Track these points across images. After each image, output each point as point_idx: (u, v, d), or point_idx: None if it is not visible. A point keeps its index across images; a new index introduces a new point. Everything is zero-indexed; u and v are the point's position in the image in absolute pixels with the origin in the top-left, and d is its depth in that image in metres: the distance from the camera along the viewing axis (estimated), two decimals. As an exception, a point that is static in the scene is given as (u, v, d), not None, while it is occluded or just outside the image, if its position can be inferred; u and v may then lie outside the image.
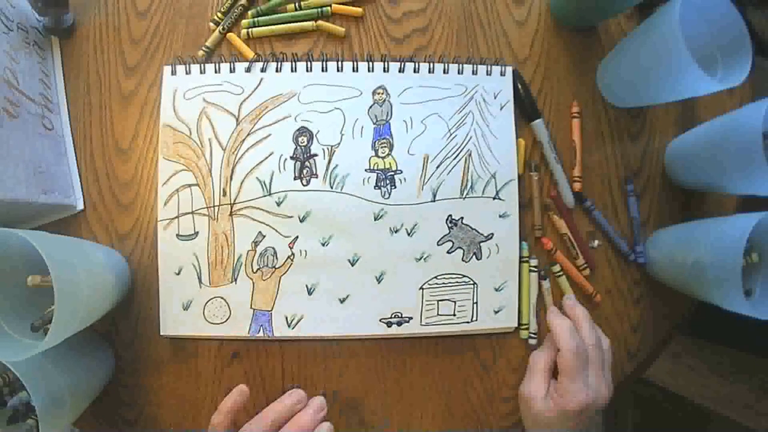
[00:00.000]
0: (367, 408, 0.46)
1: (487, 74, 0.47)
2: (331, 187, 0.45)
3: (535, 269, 0.46)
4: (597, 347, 0.41)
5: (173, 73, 0.46)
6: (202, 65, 0.46)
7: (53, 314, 0.31)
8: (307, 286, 0.45)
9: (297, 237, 0.45)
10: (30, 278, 0.35)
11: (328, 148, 0.45)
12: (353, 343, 0.46)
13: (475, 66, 0.47)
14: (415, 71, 0.47)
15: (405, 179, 0.45)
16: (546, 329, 0.47)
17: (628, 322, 0.48)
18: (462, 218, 0.46)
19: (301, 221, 0.45)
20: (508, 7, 0.49)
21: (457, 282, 0.46)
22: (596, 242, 0.48)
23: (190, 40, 0.47)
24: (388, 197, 0.45)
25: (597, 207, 0.48)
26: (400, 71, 0.47)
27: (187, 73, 0.46)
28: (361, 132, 0.46)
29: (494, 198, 0.46)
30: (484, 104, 0.47)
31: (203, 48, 0.46)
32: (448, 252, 0.46)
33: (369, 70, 0.46)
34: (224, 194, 0.45)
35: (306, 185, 0.45)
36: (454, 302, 0.45)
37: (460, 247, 0.46)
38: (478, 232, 0.46)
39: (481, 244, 0.46)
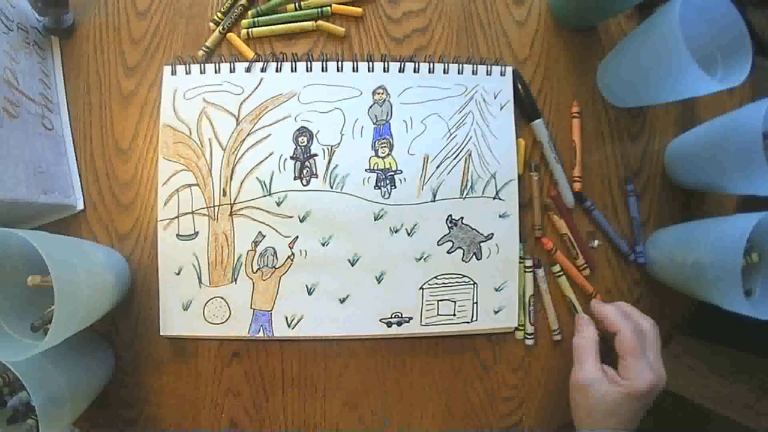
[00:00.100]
0: (367, 408, 0.46)
1: (487, 74, 0.47)
2: (331, 187, 0.45)
3: (530, 269, 0.46)
4: (653, 327, 0.41)
5: (173, 73, 0.46)
6: (202, 65, 0.46)
7: (53, 314, 0.31)
8: (307, 286, 0.45)
9: (297, 237, 0.45)
10: (30, 278, 0.35)
11: (328, 148, 0.45)
12: (353, 343, 0.46)
13: (475, 66, 0.47)
14: (415, 71, 0.47)
15: (405, 179, 0.45)
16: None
17: (628, 322, 0.48)
18: (462, 218, 0.46)
19: (301, 221, 0.45)
20: (508, 7, 0.49)
21: (457, 282, 0.46)
22: (596, 242, 0.48)
23: (190, 40, 0.47)
24: (388, 197, 0.45)
25: (597, 207, 0.48)
26: (400, 71, 0.47)
27: (187, 73, 0.46)
28: (361, 132, 0.46)
29: (494, 198, 0.46)
30: (484, 104, 0.47)
31: (203, 48, 0.46)
32: (448, 252, 0.46)
33: (369, 70, 0.46)
34: (224, 194, 0.45)
35: (306, 185, 0.45)
36: (454, 302, 0.45)
37: (460, 247, 0.46)
38: (478, 232, 0.46)
39: (481, 244, 0.46)
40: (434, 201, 0.46)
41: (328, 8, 0.47)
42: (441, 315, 0.45)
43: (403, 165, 0.46)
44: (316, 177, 0.45)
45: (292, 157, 0.45)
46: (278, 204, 0.45)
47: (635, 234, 0.48)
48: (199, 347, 0.45)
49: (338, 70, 0.46)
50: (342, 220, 0.45)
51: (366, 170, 0.45)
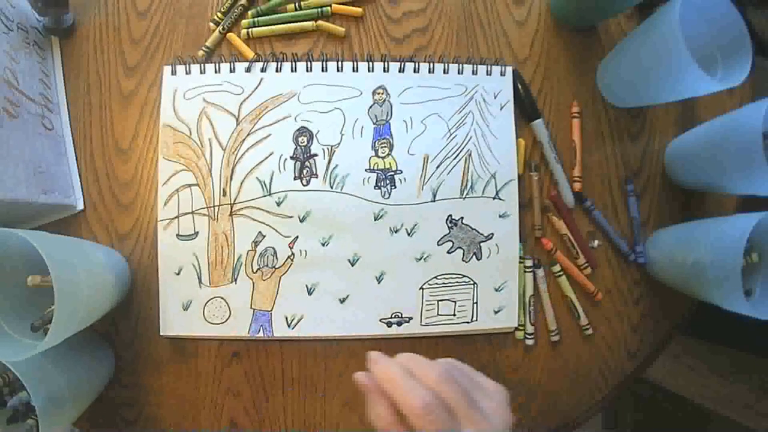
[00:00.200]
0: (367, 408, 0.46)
1: (487, 74, 0.47)
2: (331, 187, 0.45)
3: (530, 269, 0.46)
4: (447, 382, 0.28)
5: (173, 73, 0.46)
6: (202, 65, 0.46)
7: (53, 314, 0.31)
8: (307, 286, 0.45)
9: (297, 237, 0.45)
10: (30, 278, 0.35)
11: (328, 148, 0.45)
12: (353, 343, 0.46)
13: (475, 66, 0.47)
14: (415, 71, 0.47)
15: (405, 179, 0.45)
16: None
17: (628, 322, 0.48)
18: (462, 218, 0.46)
19: (301, 221, 0.45)
20: (508, 7, 0.49)
21: (457, 282, 0.46)
22: (596, 242, 0.48)
23: (190, 40, 0.47)
24: (388, 197, 0.45)
25: (597, 207, 0.48)
26: (400, 71, 0.47)
27: (187, 73, 0.46)
28: (361, 132, 0.46)
29: (494, 198, 0.46)
30: (484, 104, 0.47)
31: (203, 48, 0.46)
32: (448, 252, 0.46)
33: (369, 70, 0.46)
34: (224, 194, 0.45)
35: (306, 185, 0.45)
36: (454, 302, 0.45)
37: (460, 247, 0.46)
38: (478, 232, 0.46)
39: (481, 244, 0.46)
40: (434, 201, 0.46)
41: (328, 8, 0.47)
42: (441, 315, 0.45)
43: (403, 165, 0.46)
44: (316, 177, 0.45)
45: (292, 157, 0.45)
46: (278, 204, 0.45)
47: (635, 234, 0.48)
48: (199, 347, 0.45)
49: (338, 70, 0.46)
50: (342, 220, 0.45)
51: (366, 170, 0.45)
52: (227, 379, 0.45)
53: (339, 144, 0.46)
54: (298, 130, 0.45)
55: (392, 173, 0.46)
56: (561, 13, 0.49)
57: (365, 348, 0.46)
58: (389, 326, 0.45)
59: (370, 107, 0.46)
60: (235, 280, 0.44)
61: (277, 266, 0.44)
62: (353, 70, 0.46)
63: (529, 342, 0.46)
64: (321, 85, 0.46)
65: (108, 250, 0.43)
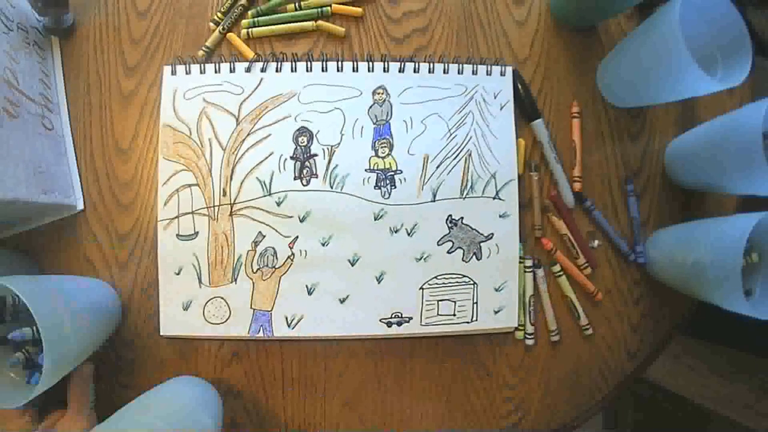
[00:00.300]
0: (367, 408, 0.46)
1: (487, 74, 0.47)
2: (331, 187, 0.45)
3: (530, 269, 0.46)
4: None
5: (173, 73, 0.46)
6: (202, 65, 0.46)
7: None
8: (307, 286, 0.45)
9: (297, 237, 0.45)
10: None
11: (328, 148, 0.45)
12: (353, 343, 0.46)
13: (475, 66, 0.47)
14: (415, 71, 0.47)
15: (405, 179, 0.45)
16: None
17: (628, 322, 0.48)
18: (462, 218, 0.46)
19: (301, 221, 0.45)
20: (508, 7, 0.49)
21: (457, 282, 0.46)
22: (596, 242, 0.48)
23: (190, 40, 0.47)
24: (388, 197, 0.45)
25: (597, 207, 0.48)
26: (400, 71, 0.47)
27: (187, 73, 0.46)
28: (361, 132, 0.46)
29: (494, 198, 0.46)
30: (484, 104, 0.47)
31: (203, 48, 0.46)
32: (448, 252, 0.46)
33: (369, 70, 0.46)
34: (224, 194, 0.45)
35: (306, 185, 0.45)
36: (454, 302, 0.45)
37: (460, 247, 0.46)
38: (478, 232, 0.46)
39: (481, 244, 0.46)
40: (434, 201, 0.46)
41: (328, 8, 0.47)
42: (441, 315, 0.45)
43: (403, 165, 0.46)
44: (316, 177, 0.45)
45: (292, 157, 0.45)
46: (278, 204, 0.45)
47: (635, 234, 0.48)
48: (199, 347, 0.45)
49: (338, 70, 0.46)
50: (342, 220, 0.45)
51: (366, 170, 0.45)
52: (227, 379, 0.45)
53: (339, 144, 0.46)
54: (298, 130, 0.45)
55: (392, 173, 0.46)
56: (561, 13, 0.49)
57: (365, 348, 0.46)
58: (389, 326, 0.45)
59: (370, 107, 0.46)
60: (235, 280, 0.44)
61: (277, 266, 0.44)
62: (353, 70, 0.46)
63: (529, 342, 0.46)
64: (321, 85, 0.46)
65: (95, 284, 0.43)
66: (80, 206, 0.45)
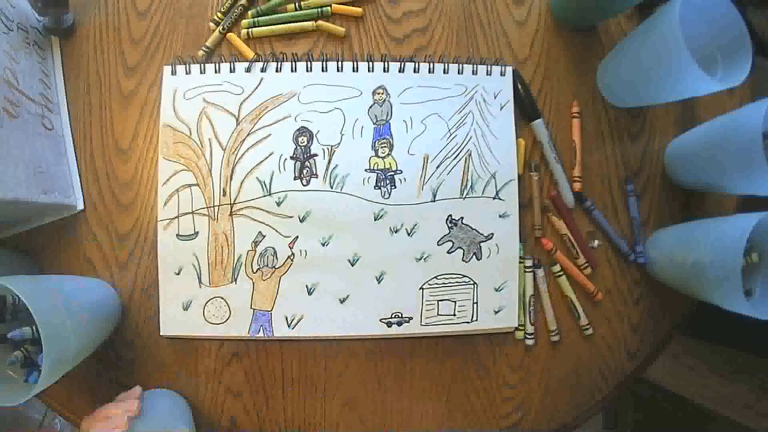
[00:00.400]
0: (367, 408, 0.46)
1: (487, 74, 0.47)
2: (331, 187, 0.45)
3: (530, 269, 0.46)
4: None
5: (173, 73, 0.46)
6: (202, 65, 0.46)
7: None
8: (307, 286, 0.45)
9: (297, 237, 0.45)
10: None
11: (328, 148, 0.45)
12: (353, 343, 0.46)
13: (475, 66, 0.47)
14: (415, 71, 0.47)
15: (405, 179, 0.45)
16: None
17: (628, 322, 0.48)
18: (462, 218, 0.46)
19: (301, 221, 0.45)
20: (508, 7, 0.49)
21: (457, 282, 0.46)
22: (596, 242, 0.48)
23: (190, 40, 0.47)
24: (388, 197, 0.45)
25: (597, 207, 0.48)
26: (400, 71, 0.47)
27: (187, 73, 0.46)
28: (361, 132, 0.46)
29: (494, 198, 0.46)
30: (484, 104, 0.47)
31: (203, 48, 0.46)
32: (448, 252, 0.46)
33: (369, 70, 0.46)
34: (224, 194, 0.45)
35: (306, 185, 0.45)
36: (454, 302, 0.45)
37: (460, 247, 0.46)
38: (478, 232, 0.46)
39: (481, 244, 0.46)
40: (434, 201, 0.46)
41: (328, 8, 0.47)
42: (441, 315, 0.45)
43: (403, 165, 0.46)
44: (316, 177, 0.45)
45: (292, 157, 0.45)
46: (278, 204, 0.45)
47: (635, 234, 0.48)
48: (199, 347, 0.45)
49: (338, 70, 0.46)
50: (342, 220, 0.45)
51: (366, 170, 0.45)
52: (227, 379, 0.45)
53: (339, 144, 0.46)
54: (298, 130, 0.45)
55: (392, 173, 0.46)
56: (561, 13, 0.49)
57: (365, 348, 0.46)
58: (389, 326, 0.45)
59: (370, 107, 0.46)
60: (235, 280, 0.44)
61: (277, 266, 0.44)
62: (353, 70, 0.46)
63: (529, 342, 0.46)
64: (321, 85, 0.46)
65: (94, 284, 0.43)
66: (80, 206, 0.45)
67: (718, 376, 0.85)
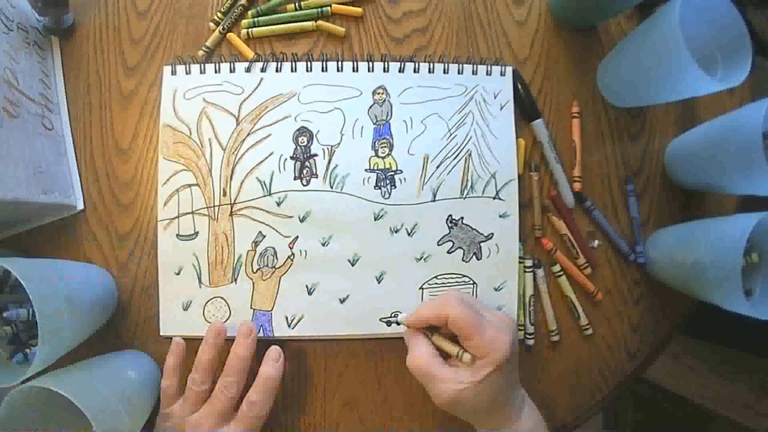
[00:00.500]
0: (367, 408, 0.46)
1: (487, 74, 0.47)
2: (331, 187, 0.45)
3: (530, 269, 0.46)
4: (458, 292, 0.41)
5: (173, 73, 0.46)
6: (202, 65, 0.46)
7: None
8: (307, 286, 0.45)
9: (297, 237, 0.45)
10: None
11: (328, 148, 0.45)
12: (353, 343, 0.46)
13: (475, 66, 0.47)
14: (415, 71, 0.47)
15: (405, 179, 0.45)
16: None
17: (628, 322, 0.48)
18: (462, 218, 0.46)
19: (301, 221, 0.45)
20: (508, 7, 0.49)
21: (456, 282, 0.46)
22: (596, 242, 0.48)
23: (190, 40, 0.47)
24: (388, 197, 0.45)
25: (597, 207, 0.48)
26: (400, 71, 0.47)
27: (187, 73, 0.46)
28: (361, 132, 0.46)
29: (494, 198, 0.46)
30: (484, 104, 0.47)
31: (203, 48, 0.46)
32: (448, 252, 0.46)
33: (369, 70, 0.46)
34: (224, 194, 0.45)
35: (306, 185, 0.45)
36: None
37: (460, 247, 0.46)
38: (478, 232, 0.46)
39: (481, 244, 0.46)
40: (434, 201, 0.46)
41: (328, 8, 0.47)
42: (441, 315, 0.45)
43: (403, 165, 0.46)
44: (316, 177, 0.45)
45: (292, 157, 0.45)
46: (278, 204, 0.45)
47: (635, 234, 0.48)
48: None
49: (338, 70, 0.46)
50: (342, 220, 0.45)
51: (366, 170, 0.45)
52: (227, 379, 0.45)
53: (339, 144, 0.46)
54: (298, 130, 0.45)
55: (392, 173, 0.46)
56: (561, 13, 0.49)
57: (365, 348, 0.46)
58: (389, 326, 0.45)
59: (370, 107, 0.46)
60: (235, 280, 0.44)
61: (277, 266, 0.44)
62: (353, 70, 0.46)
63: (529, 342, 0.47)
64: (321, 85, 0.46)
65: (91, 270, 0.43)
66: (80, 206, 0.45)
67: (718, 376, 0.85)
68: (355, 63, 0.46)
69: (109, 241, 0.45)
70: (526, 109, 0.48)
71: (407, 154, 0.46)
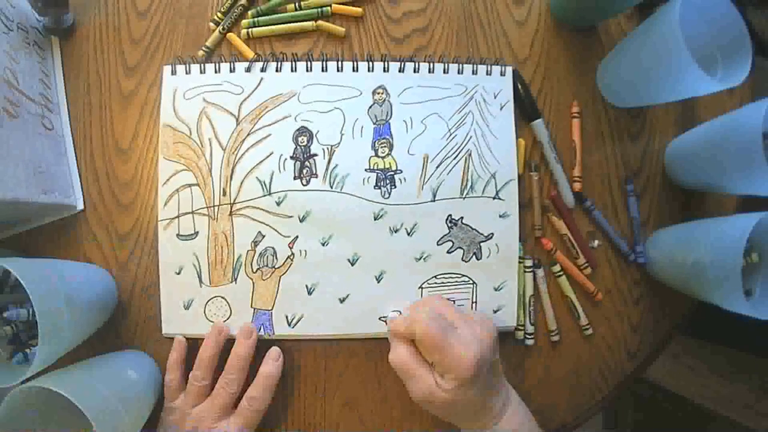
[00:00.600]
0: (367, 408, 0.46)
1: (487, 74, 0.47)
2: (331, 187, 0.45)
3: (530, 269, 0.46)
4: (440, 301, 0.41)
5: (173, 73, 0.46)
6: (202, 65, 0.46)
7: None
8: (307, 285, 0.45)
9: (297, 237, 0.45)
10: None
11: (328, 148, 0.45)
12: (353, 343, 0.46)
13: (475, 66, 0.47)
14: (415, 71, 0.47)
15: (405, 179, 0.45)
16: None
17: (628, 322, 0.48)
18: (462, 218, 0.46)
19: (301, 221, 0.45)
20: (508, 7, 0.49)
21: (456, 282, 0.46)
22: (596, 242, 0.48)
23: (190, 40, 0.47)
24: (388, 197, 0.45)
25: (597, 207, 0.48)
26: (400, 71, 0.47)
27: (187, 73, 0.46)
28: (361, 132, 0.46)
29: (494, 198, 0.46)
30: (484, 104, 0.47)
31: (203, 48, 0.46)
32: (447, 252, 0.46)
33: (369, 70, 0.46)
34: (224, 194, 0.45)
35: (306, 185, 0.45)
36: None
37: (460, 247, 0.46)
38: (478, 232, 0.46)
39: (481, 243, 0.46)
40: (434, 201, 0.46)
41: (328, 8, 0.47)
42: (441, 315, 0.45)
43: (403, 165, 0.46)
44: (316, 177, 0.45)
45: (292, 157, 0.45)
46: (278, 204, 0.45)
47: (635, 234, 0.48)
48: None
49: (338, 70, 0.46)
50: (342, 220, 0.45)
51: (366, 170, 0.45)
52: (227, 379, 0.45)
53: (339, 144, 0.46)
54: (298, 129, 0.45)
55: (392, 173, 0.46)
56: (561, 13, 0.49)
57: (365, 347, 0.46)
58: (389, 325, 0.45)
59: (370, 107, 0.46)
60: (235, 279, 0.44)
61: (276, 266, 0.44)
62: (353, 70, 0.46)
63: (529, 342, 0.46)
64: (321, 85, 0.46)
65: (91, 270, 0.43)
66: (80, 206, 0.45)
67: (718, 376, 0.85)
68: (355, 63, 0.46)
69: (109, 241, 0.45)
70: (526, 109, 0.48)
71: (407, 154, 0.46)
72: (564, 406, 0.47)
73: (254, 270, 0.44)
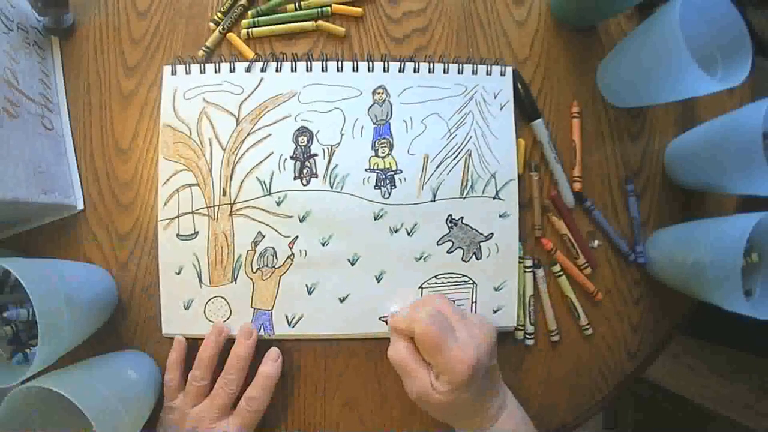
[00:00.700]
0: (367, 408, 0.46)
1: (487, 74, 0.47)
2: (331, 187, 0.45)
3: (530, 269, 0.46)
4: (441, 300, 0.41)
5: (173, 73, 0.46)
6: (202, 65, 0.46)
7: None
8: (307, 285, 0.45)
9: (297, 237, 0.45)
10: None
11: (328, 148, 0.45)
12: (353, 343, 0.46)
13: (475, 66, 0.47)
14: (415, 71, 0.47)
15: (405, 179, 0.45)
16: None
17: (628, 322, 0.48)
18: (462, 218, 0.46)
19: (301, 221, 0.45)
20: (508, 7, 0.49)
21: (456, 282, 0.46)
22: (596, 242, 0.48)
23: (190, 40, 0.47)
24: (388, 197, 0.45)
25: (597, 207, 0.48)
26: (400, 71, 0.47)
27: (187, 73, 0.46)
28: (361, 132, 0.46)
29: (494, 198, 0.46)
30: (484, 104, 0.47)
31: (203, 48, 0.46)
32: (447, 252, 0.46)
33: (369, 70, 0.46)
34: (224, 194, 0.45)
35: (306, 185, 0.45)
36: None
37: (460, 247, 0.46)
38: (478, 232, 0.46)
39: (481, 243, 0.46)
40: (434, 201, 0.46)
41: (328, 8, 0.47)
42: (441, 315, 0.45)
43: (403, 165, 0.46)
44: (316, 177, 0.45)
45: (292, 157, 0.45)
46: (278, 204, 0.45)
47: (635, 234, 0.48)
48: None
49: (338, 70, 0.46)
50: (342, 220, 0.45)
51: (366, 170, 0.45)
52: (227, 379, 0.45)
53: (339, 144, 0.46)
54: (298, 129, 0.45)
55: (392, 173, 0.46)
56: (561, 13, 0.49)
57: (365, 347, 0.46)
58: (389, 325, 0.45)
59: (370, 107, 0.46)
60: (235, 279, 0.44)
61: (276, 266, 0.44)
62: (353, 70, 0.46)
63: (529, 342, 0.47)
64: (321, 85, 0.46)
65: (91, 270, 0.43)
66: (80, 206, 0.45)
67: (718, 376, 0.85)
68: (355, 63, 0.46)
69: (109, 241, 0.45)
70: (526, 109, 0.48)
71: (407, 153, 0.46)
72: (564, 406, 0.47)
73: (254, 270, 0.44)
